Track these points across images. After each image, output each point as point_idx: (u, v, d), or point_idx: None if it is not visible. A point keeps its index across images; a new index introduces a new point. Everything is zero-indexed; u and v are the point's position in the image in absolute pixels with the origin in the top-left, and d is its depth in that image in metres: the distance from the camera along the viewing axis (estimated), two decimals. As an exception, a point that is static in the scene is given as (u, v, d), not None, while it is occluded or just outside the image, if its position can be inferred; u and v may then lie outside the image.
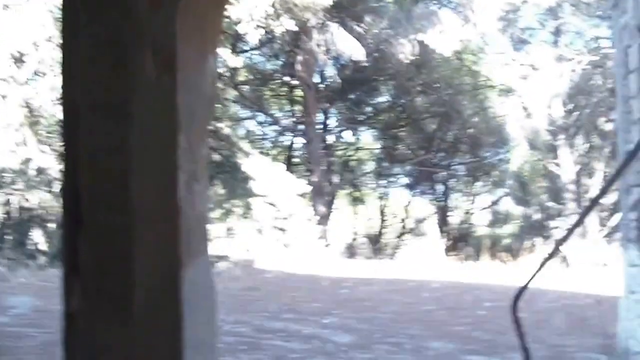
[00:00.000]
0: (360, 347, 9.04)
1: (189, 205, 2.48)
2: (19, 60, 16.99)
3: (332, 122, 33.97)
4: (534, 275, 2.14)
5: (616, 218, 23.33)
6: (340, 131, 34.59)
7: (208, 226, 2.68)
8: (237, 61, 21.97)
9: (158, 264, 2.46)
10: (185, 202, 2.46)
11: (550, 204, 31.34)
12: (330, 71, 29.55)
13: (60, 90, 2.54)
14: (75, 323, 2.51)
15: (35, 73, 17.46)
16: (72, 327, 2.52)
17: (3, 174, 17.07)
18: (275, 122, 34.13)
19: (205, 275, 2.64)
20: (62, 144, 2.52)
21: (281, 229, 20.51)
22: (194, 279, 2.52)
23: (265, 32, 22.19)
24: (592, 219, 26.56)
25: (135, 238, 2.45)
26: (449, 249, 32.80)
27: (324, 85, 30.82)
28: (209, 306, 2.70)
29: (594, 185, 27.64)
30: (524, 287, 2.11)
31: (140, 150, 2.42)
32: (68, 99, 2.52)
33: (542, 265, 2.25)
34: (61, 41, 2.56)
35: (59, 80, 2.55)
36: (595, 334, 10.05)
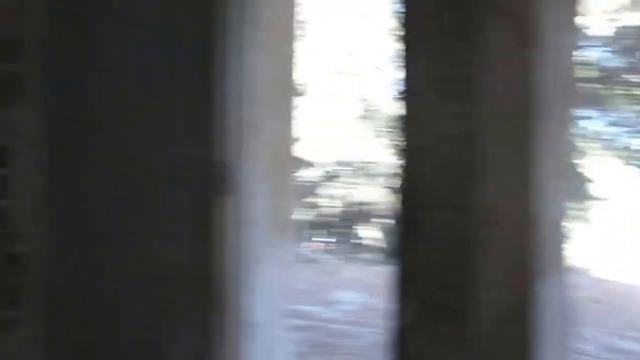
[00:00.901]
0: None
1: (545, 208, 2.08)
2: (354, 53, 17.35)
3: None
4: None
5: None
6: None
7: (565, 233, 2.26)
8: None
9: (506, 275, 2.14)
10: (540, 204, 2.06)
11: None
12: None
13: (397, 79, 2.23)
14: (406, 338, 2.26)
15: (371, 67, 17.74)
16: (403, 342, 2.26)
17: (339, 168, 17.55)
18: (621, 122, 32.72)
19: (561, 292, 2.23)
20: (398, 133, 2.21)
21: (623, 237, 19.46)
22: (548, 296, 2.13)
23: (616, 26, 21.19)
24: None
25: (481, 244, 2.12)
26: None
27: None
28: (564, 329, 2.28)
29: None
30: None
31: (490, 139, 2.07)
32: (407, 80, 2.24)
33: None
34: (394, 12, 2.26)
35: (394, 74, 2.25)
36: None
